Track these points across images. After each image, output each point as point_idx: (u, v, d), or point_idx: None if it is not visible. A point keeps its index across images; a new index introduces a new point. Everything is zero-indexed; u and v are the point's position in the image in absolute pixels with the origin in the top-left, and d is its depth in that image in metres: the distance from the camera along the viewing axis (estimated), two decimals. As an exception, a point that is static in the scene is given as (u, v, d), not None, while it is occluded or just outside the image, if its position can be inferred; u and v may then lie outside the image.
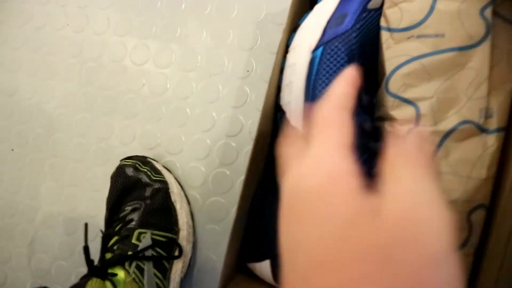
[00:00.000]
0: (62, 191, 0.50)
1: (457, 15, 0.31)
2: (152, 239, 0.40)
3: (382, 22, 0.33)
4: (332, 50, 0.32)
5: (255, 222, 0.37)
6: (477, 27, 0.31)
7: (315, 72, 0.33)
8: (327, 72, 0.32)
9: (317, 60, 0.32)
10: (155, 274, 0.39)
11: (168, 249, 0.41)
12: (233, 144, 0.45)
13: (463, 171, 0.30)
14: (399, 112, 0.32)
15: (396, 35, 0.33)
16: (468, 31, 0.31)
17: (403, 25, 0.32)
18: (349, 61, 0.32)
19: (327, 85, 0.32)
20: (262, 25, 0.45)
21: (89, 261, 0.37)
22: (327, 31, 0.33)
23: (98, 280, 0.36)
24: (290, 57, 0.34)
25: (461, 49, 0.31)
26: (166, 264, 0.41)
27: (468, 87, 0.31)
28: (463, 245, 0.29)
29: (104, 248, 0.40)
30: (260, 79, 0.44)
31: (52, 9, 0.54)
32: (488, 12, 0.31)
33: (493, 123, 0.30)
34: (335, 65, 0.32)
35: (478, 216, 0.29)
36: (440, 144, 0.31)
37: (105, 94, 0.50)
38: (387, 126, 0.33)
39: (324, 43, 0.33)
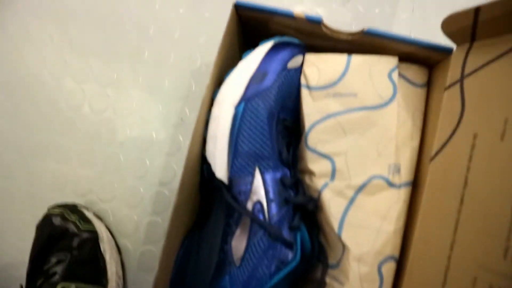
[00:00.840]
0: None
1: (368, 77, 0.34)
2: None
3: (302, 80, 0.35)
4: (253, 106, 0.33)
5: (181, 271, 0.36)
6: (386, 88, 0.33)
7: (237, 127, 0.34)
8: (248, 127, 0.33)
9: (239, 115, 0.34)
10: None
11: None
12: (166, 192, 0.44)
13: (374, 224, 0.31)
14: (317, 166, 0.34)
15: (315, 93, 0.35)
16: (379, 92, 0.33)
17: (320, 83, 0.35)
18: (268, 117, 0.33)
19: (248, 140, 0.33)
20: (196, 74, 0.46)
21: None
22: (249, 87, 0.34)
23: None
24: (215, 110, 0.35)
25: (372, 108, 0.33)
26: None
27: (378, 144, 0.33)
28: (374, 297, 0.30)
29: None
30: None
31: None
32: (395, 75, 0.34)
33: (401, 178, 0.32)
34: (255, 121, 0.33)
35: (389, 268, 0.31)
36: (353, 197, 0.32)
37: (37, 136, 0.49)
38: (306, 179, 0.35)
39: (246, 99, 0.34)
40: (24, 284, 0.41)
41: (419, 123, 0.34)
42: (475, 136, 0.30)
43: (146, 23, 0.49)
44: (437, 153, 0.31)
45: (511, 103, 0.27)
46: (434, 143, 0.31)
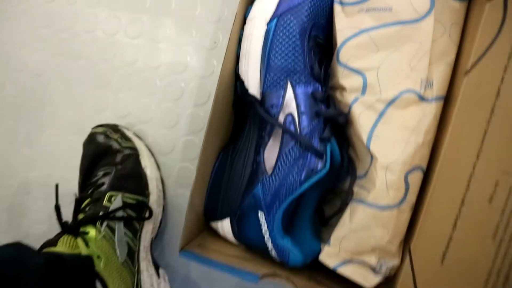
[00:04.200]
0: (37, 158, 0.52)
1: (404, -11, 0.33)
2: (123, 201, 0.42)
3: (336, -4, 0.35)
4: (285, 22, 0.34)
5: (217, 183, 0.39)
6: (422, 2, 0.33)
7: (269, 43, 0.34)
8: (280, 43, 0.34)
9: (271, 32, 0.34)
10: (125, 234, 0.42)
11: (138, 211, 0.43)
12: (201, 114, 0.46)
13: (403, 136, 0.32)
14: (348, 81, 0.34)
15: (348, 8, 0.35)
16: (414, 6, 0.33)
17: (354, -1, 0.34)
18: (300, 33, 0.34)
19: (281, 56, 0.34)
20: (229, -3, 0.46)
21: (60, 219, 0.39)
22: (281, 4, 0.34)
23: (70, 236, 0.38)
24: (247, 28, 0.36)
25: (406, 23, 0.33)
26: (136, 225, 0.43)
27: (411, 59, 0.33)
28: (399, 203, 0.32)
29: (77, 210, 0.42)
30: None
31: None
32: (432, -13, 0.33)
33: (433, 93, 0.33)
34: (287, 36, 0.34)
35: (415, 177, 0.32)
36: (383, 111, 0.33)
37: (77, 63, 0.51)
38: (337, 94, 0.36)
39: (278, 15, 0.34)
40: (77, 193, 0.45)
41: (456, 38, 0.33)
42: None
43: None
44: (472, 66, 0.31)
45: None
46: (471, 56, 0.31)
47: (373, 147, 0.33)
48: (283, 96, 0.34)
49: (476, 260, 0.30)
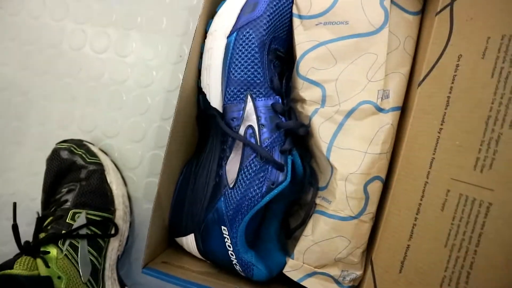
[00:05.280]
0: (0, 175, 0.51)
1: (360, 4, 0.34)
2: (87, 219, 0.41)
3: (294, 10, 0.36)
4: (244, 35, 0.34)
5: (181, 197, 0.39)
6: (377, 16, 0.33)
7: (229, 56, 0.34)
8: (240, 56, 0.34)
9: (231, 45, 0.34)
10: (89, 252, 0.40)
11: (103, 228, 0.42)
12: (167, 128, 0.46)
13: (362, 146, 0.33)
14: (308, 93, 0.35)
15: (306, 22, 0.35)
16: (370, 19, 0.33)
17: (312, 12, 0.35)
18: (259, 46, 0.34)
19: (240, 69, 0.34)
20: (194, 11, 0.46)
21: (18, 239, 0.38)
22: (241, 17, 0.35)
23: (29, 257, 0.37)
24: (208, 42, 0.36)
25: (362, 35, 0.34)
26: (101, 242, 0.42)
27: (368, 71, 0.33)
28: (360, 213, 0.32)
29: (38, 229, 0.41)
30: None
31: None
32: (387, 2, 0.33)
33: (389, 103, 0.33)
34: (246, 50, 0.34)
35: (374, 188, 0.32)
36: (342, 122, 0.33)
37: (43, 77, 0.50)
38: (298, 107, 0.36)
39: (237, 29, 0.34)
40: (40, 211, 0.44)
41: (410, 50, 0.34)
42: (459, 57, 0.30)
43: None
44: (425, 77, 0.32)
45: (494, 22, 0.27)
46: (423, 68, 0.32)
47: (333, 158, 0.33)
48: (244, 109, 0.34)
49: (431, 268, 0.30)
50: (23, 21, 0.52)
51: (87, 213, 0.42)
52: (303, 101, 0.35)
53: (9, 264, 0.36)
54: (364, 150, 0.32)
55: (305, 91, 0.35)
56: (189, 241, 0.38)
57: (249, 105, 0.34)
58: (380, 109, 0.33)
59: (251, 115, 0.34)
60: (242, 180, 0.34)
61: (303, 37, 0.35)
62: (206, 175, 0.37)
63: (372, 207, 0.32)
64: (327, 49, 0.34)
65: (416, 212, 0.31)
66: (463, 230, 0.28)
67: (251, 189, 0.34)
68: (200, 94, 0.38)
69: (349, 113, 0.33)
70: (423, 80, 0.31)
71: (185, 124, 0.37)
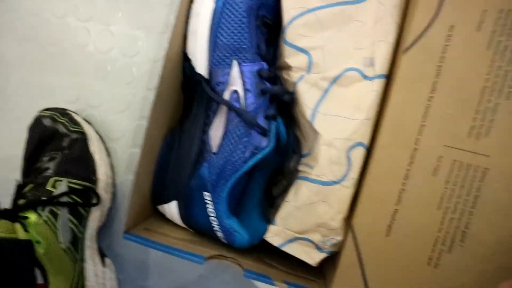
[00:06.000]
0: None
1: (349, -28, 0.34)
2: (69, 187, 0.41)
3: (283, -24, 0.35)
4: (231, 0, 0.34)
5: (163, 165, 0.38)
6: (365, -17, 0.33)
7: (217, 21, 0.34)
8: (227, 21, 0.34)
9: (219, 9, 0.34)
10: (70, 220, 0.40)
11: (85, 198, 0.42)
12: (152, 98, 0.46)
13: (346, 113, 0.33)
14: (294, 60, 0.35)
15: (294, -12, 0.35)
16: (358, -14, 0.33)
17: (300, -22, 0.35)
18: (247, 11, 0.34)
19: (227, 34, 0.34)
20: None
21: None
22: (229, -19, 0.34)
23: (7, 222, 0.36)
24: (195, 6, 0.35)
25: (351, 3, 0.34)
26: (82, 211, 0.41)
27: (355, 38, 0.33)
28: (342, 179, 0.32)
29: (18, 195, 0.40)
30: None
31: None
32: (376, -29, 0.33)
33: (375, 71, 0.33)
34: (234, 14, 0.34)
35: (357, 154, 0.32)
36: (327, 88, 0.33)
37: (25, 46, 0.49)
38: (284, 74, 0.36)
39: (225, -8, 0.34)
40: (20, 179, 0.43)
41: (397, 19, 0.34)
42: (451, 28, 0.31)
43: None
44: (411, 45, 0.32)
45: None
46: (409, 35, 0.32)
47: (317, 124, 0.33)
48: (229, 74, 0.34)
49: (423, 229, 0.31)
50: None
51: (69, 181, 0.41)
52: (289, 68, 0.35)
53: None
54: (348, 116, 0.32)
55: (292, 58, 0.35)
56: (171, 209, 0.38)
57: (235, 69, 0.34)
58: (365, 76, 0.33)
59: (237, 80, 0.34)
60: (226, 145, 0.34)
61: (291, 3, 0.35)
62: (190, 141, 0.36)
63: (354, 173, 0.33)
64: (315, 16, 0.34)
65: (403, 177, 0.31)
66: (458, 194, 0.30)
67: (234, 154, 0.34)
68: (186, 61, 0.37)
69: (335, 80, 0.33)
70: (409, 47, 0.31)
71: (170, 92, 0.37)
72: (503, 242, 0.28)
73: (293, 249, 0.34)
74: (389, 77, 0.34)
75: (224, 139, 0.34)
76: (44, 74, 0.49)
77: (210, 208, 0.35)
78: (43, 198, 0.39)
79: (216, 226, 0.36)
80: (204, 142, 0.35)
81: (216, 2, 0.34)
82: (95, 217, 0.43)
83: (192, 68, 0.36)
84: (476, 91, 0.29)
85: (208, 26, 0.35)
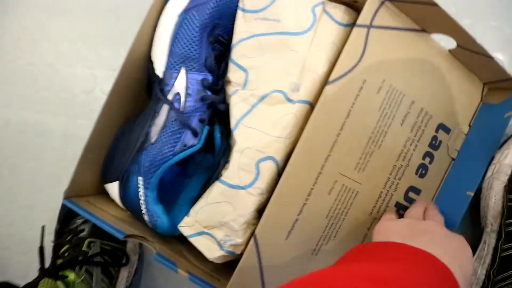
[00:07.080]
0: (17, 212, 0.57)
1: (294, 7, 0.38)
2: (101, 248, 0.45)
3: (240, 3, 0.40)
4: (190, 16, 0.39)
5: (115, 148, 0.43)
6: (306, 19, 0.38)
7: (176, 32, 0.40)
8: (183, 33, 0.39)
9: (179, 23, 0.39)
10: (102, 280, 0.44)
11: (115, 258, 0.47)
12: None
13: (264, 128, 0.36)
14: (234, 75, 0.39)
15: (247, 15, 0.40)
16: (299, 21, 0.38)
17: (253, 7, 0.40)
18: (200, 27, 0.39)
19: (181, 44, 0.39)
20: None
21: (43, 261, 0.41)
22: (193, 1, 0.40)
23: (50, 280, 0.40)
24: (162, 18, 0.41)
25: (290, 34, 0.38)
26: (112, 271, 0.46)
27: (288, 65, 0.37)
28: (248, 185, 0.36)
29: (56, 255, 0.44)
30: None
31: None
32: (318, 9, 0.38)
33: (298, 96, 0.37)
34: (188, 28, 0.39)
35: (266, 166, 0.36)
36: (254, 104, 0.37)
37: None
38: (226, 87, 0.40)
39: (187, 10, 0.40)
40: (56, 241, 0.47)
41: (331, 55, 0.37)
42: (364, 81, 0.37)
43: None
44: (334, 80, 0.35)
45: (391, 70, 0.37)
46: (333, 71, 0.35)
47: (237, 133, 0.37)
48: (176, 78, 0.39)
49: (313, 231, 0.38)
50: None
51: (102, 243, 0.46)
52: (229, 82, 0.40)
53: (33, 284, 0.40)
54: (265, 131, 0.36)
55: (233, 73, 0.39)
56: (114, 188, 0.43)
57: (182, 75, 0.39)
58: (288, 99, 0.37)
59: (181, 84, 0.39)
60: (161, 138, 0.39)
61: (243, 27, 0.40)
62: (139, 131, 0.41)
63: (261, 183, 0.36)
64: (258, 41, 0.39)
65: (307, 194, 0.36)
66: (339, 207, 0.38)
67: (166, 147, 0.38)
68: (149, 63, 0.43)
69: (262, 98, 0.37)
70: (332, 81, 0.35)
71: (129, 87, 0.42)
72: (358, 236, 0.40)
73: (198, 242, 0.38)
74: (313, 105, 0.37)
75: (161, 133, 0.39)
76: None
77: (141, 192, 0.40)
78: (80, 257, 0.43)
79: (144, 210, 0.40)
80: (147, 134, 0.40)
81: (179, 17, 0.40)
82: (123, 277, 0.48)
83: (152, 69, 0.41)
84: (365, 140, 0.38)
85: (170, 36, 0.40)
